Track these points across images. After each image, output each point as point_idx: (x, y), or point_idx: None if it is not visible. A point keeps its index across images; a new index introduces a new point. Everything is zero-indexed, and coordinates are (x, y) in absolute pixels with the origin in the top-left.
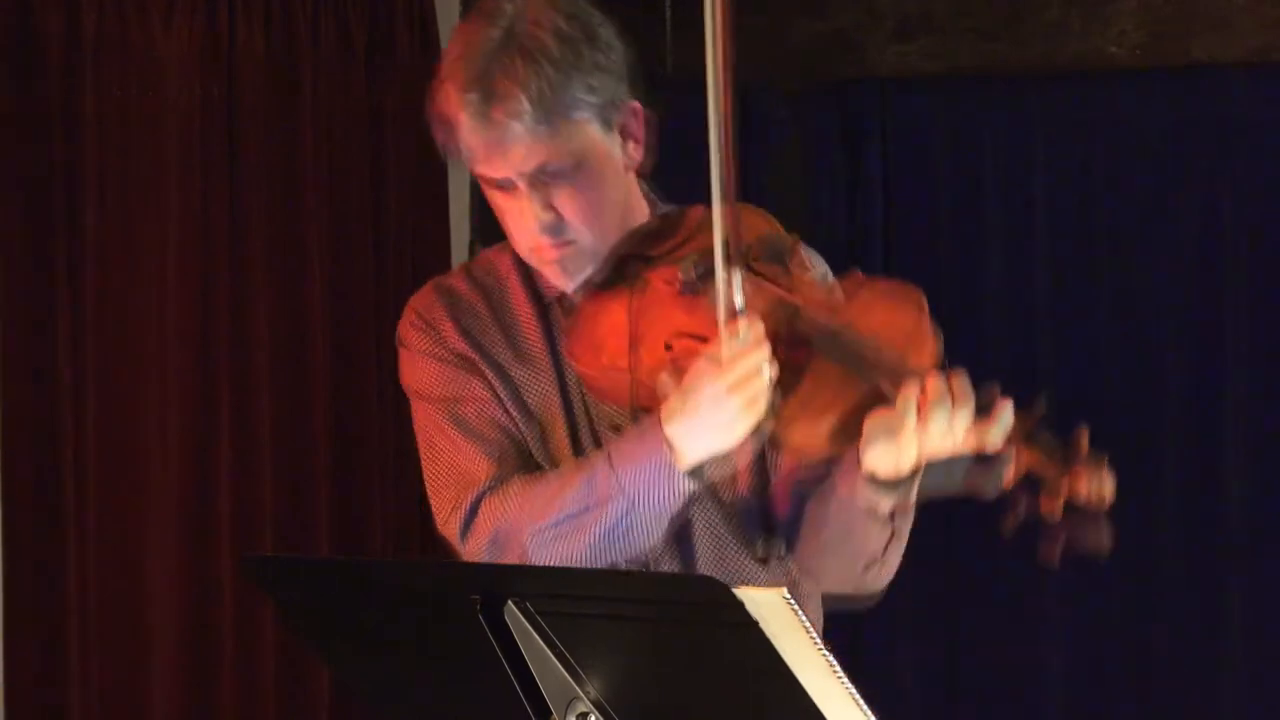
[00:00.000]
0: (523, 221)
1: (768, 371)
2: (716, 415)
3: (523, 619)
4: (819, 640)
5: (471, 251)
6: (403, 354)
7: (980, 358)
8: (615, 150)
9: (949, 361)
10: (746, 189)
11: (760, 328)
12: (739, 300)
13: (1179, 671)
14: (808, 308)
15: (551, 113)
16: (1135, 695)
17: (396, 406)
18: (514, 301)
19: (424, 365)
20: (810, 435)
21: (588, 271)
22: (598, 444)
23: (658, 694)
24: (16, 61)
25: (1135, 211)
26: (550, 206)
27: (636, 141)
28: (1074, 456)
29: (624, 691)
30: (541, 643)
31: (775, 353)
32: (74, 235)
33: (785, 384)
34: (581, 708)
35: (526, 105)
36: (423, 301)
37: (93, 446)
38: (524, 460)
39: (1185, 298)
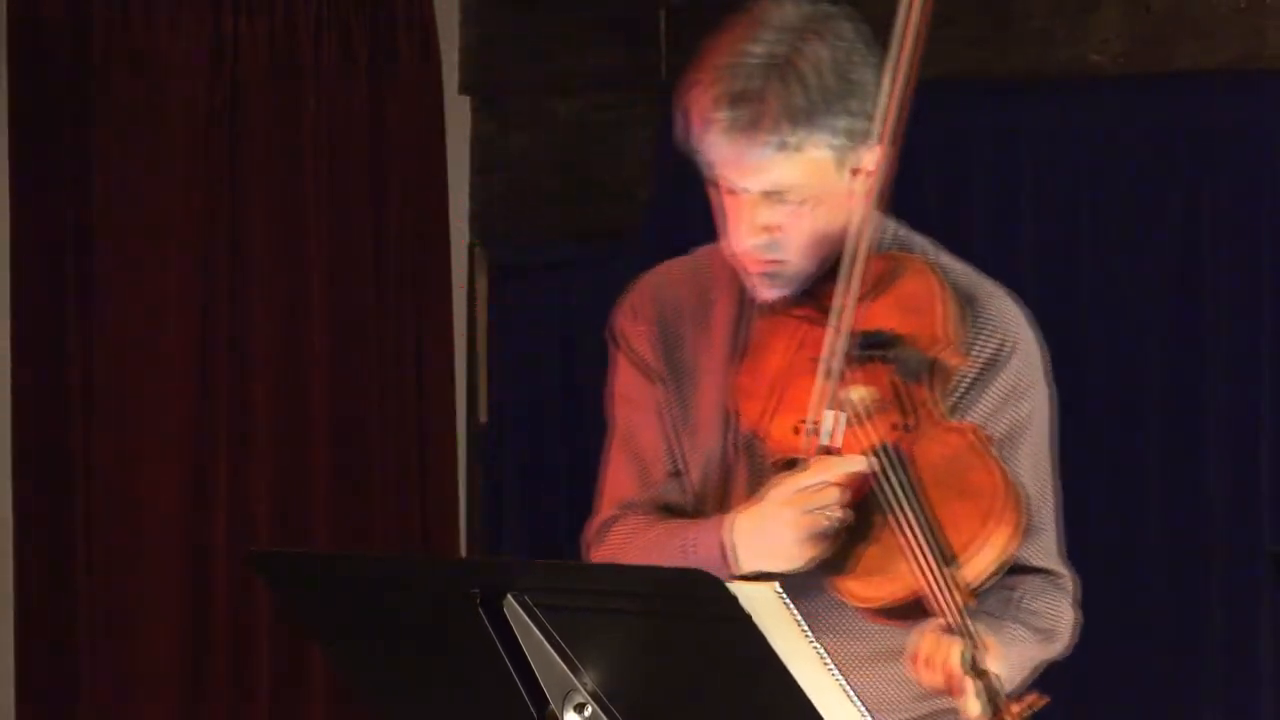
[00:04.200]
0: (742, 228)
1: (838, 515)
2: (778, 539)
3: (521, 612)
4: (810, 633)
5: (471, 254)
6: (611, 351)
7: None
8: (844, 186)
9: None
10: None
11: (843, 471)
12: (835, 437)
13: (1163, 671)
14: (898, 466)
15: (799, 142)
16: (1123, 693)
17: (396, 407)
18: (717, 300)
19: (621, 366)
20: (862, 602)
21: (786, 292)
22: (739, 457)
23: (654, 686)
24: (25, 68)
25: (1119, 216)
26: (773, 224)
27: (869, 177)
28: None
29: (621, 683)
30: (540, 636)
31: (853, 500)
32: (79, 238)
33: (854, 536)
34: (579, 699)
35: (777, 131)
36: (638, 294)
37: (97, 445)
38: (671, 477)
39: (1168, 302)
